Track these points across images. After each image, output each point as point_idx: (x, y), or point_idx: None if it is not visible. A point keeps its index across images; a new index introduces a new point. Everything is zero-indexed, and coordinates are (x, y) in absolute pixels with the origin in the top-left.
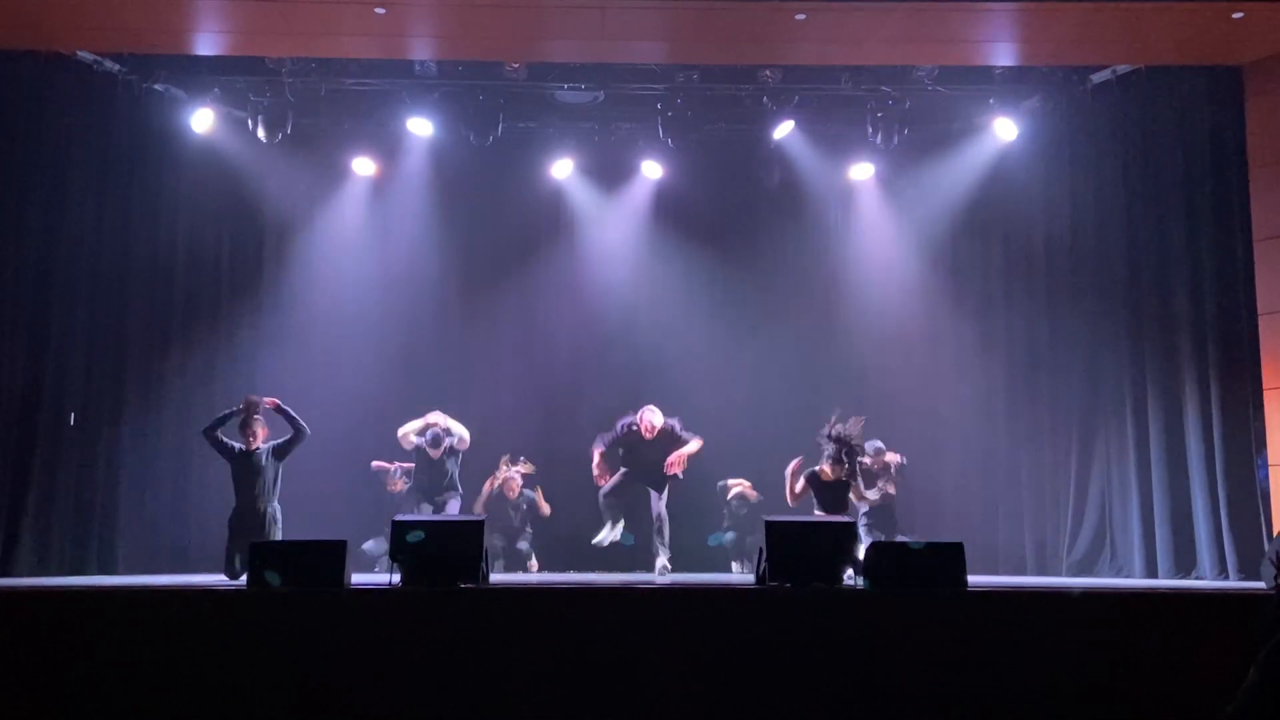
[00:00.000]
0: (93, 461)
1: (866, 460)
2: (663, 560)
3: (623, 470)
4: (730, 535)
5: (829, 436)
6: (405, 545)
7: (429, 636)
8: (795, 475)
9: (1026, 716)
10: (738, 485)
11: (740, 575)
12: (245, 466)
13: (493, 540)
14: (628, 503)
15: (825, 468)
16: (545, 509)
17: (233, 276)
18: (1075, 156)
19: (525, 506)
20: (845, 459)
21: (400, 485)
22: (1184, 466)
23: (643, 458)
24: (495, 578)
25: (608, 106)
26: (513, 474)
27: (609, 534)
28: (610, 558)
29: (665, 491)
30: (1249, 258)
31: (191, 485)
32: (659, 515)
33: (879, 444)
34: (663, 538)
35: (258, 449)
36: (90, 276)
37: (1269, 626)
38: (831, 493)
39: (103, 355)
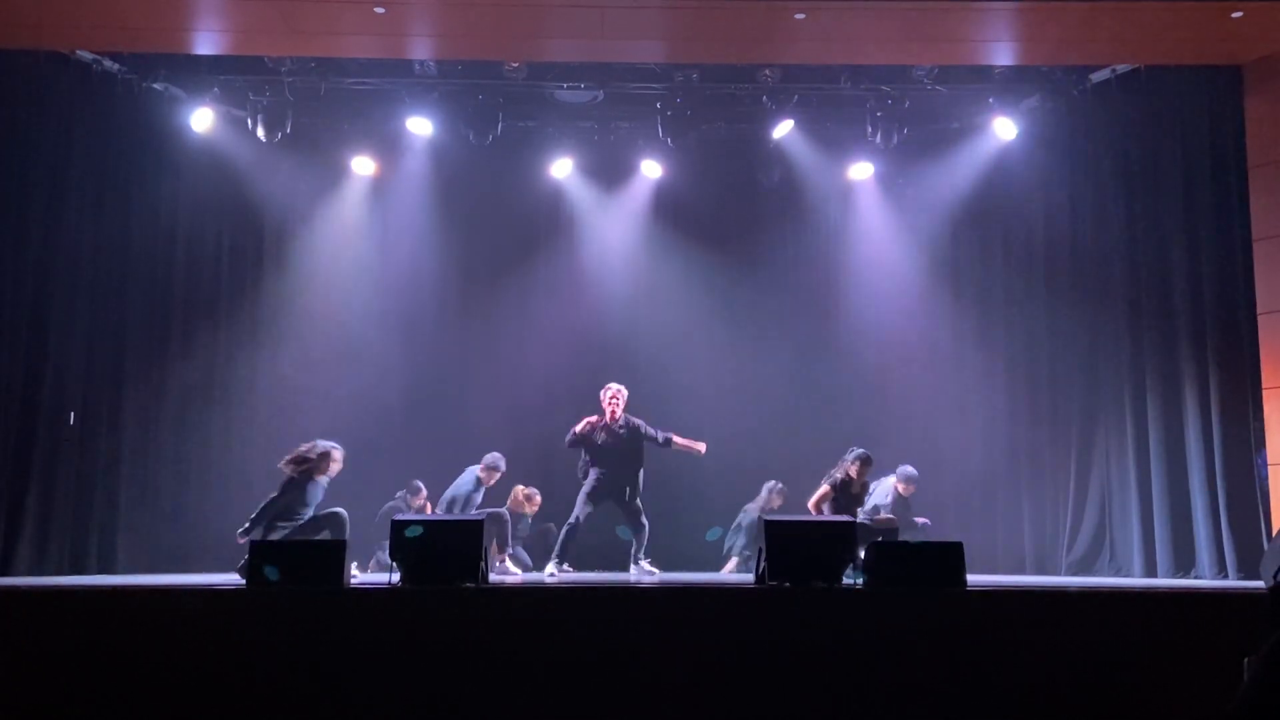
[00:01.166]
0: (92, 461)
1: (901, 488)
2: (644, 565)
3: (594, 474)
4: (729, 534)
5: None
6: (405, 544)
7: (428, 636)
8: (818, 503)
9: (1026, 716)
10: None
11: (736, 574)
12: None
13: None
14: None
15: (853, 470)
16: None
17: (232, 275)
18: (1074, 156)
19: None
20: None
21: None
22: (1183, 466)
23: (611, 452)
24: (495, 577)
25: (607, 106)
26: (534, 491)
27: (554, 567)
28: (612, 558)
29: (635, 496)
30: (1248, 257)
31: (191, 484)
32: (640, 524)
33: (912, 470)
34: (640, 545)
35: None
36: (90, 276)
37: (1269, 624)
38: (850, 498)
39: (103, 355)
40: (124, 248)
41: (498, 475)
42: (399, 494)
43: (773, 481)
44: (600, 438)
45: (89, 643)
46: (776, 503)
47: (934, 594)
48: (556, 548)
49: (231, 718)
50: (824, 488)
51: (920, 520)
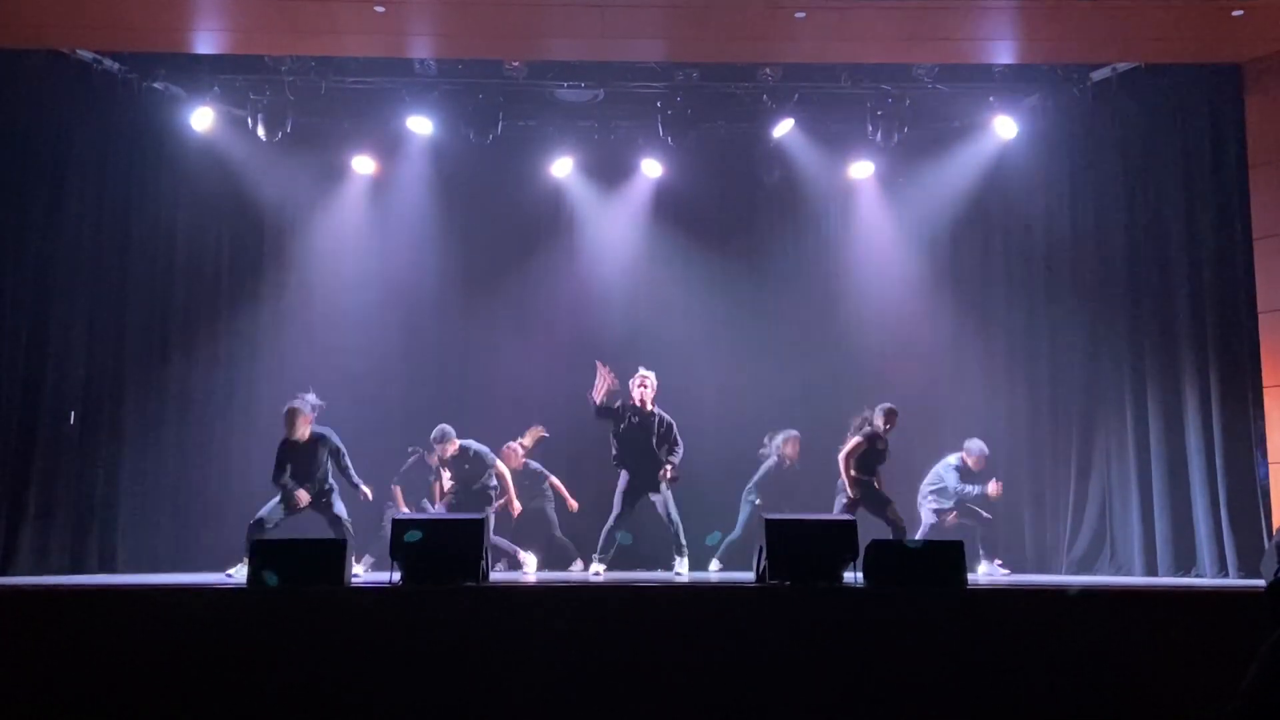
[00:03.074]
0: (93, 460)
1: (971, 461)
2: (680, 566)
3: (625, 484)
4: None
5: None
6: (406, 544)
7: (429, 635)
8: (849, 456)
9: (1027, 714)
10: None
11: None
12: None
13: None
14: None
15: (879, 422)
16: (572, 504)
17: (232, 275)
18: (1075, 155)
19: (548, 489)
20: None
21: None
22: (1184, 464)
23: (636, 442)
24: (498, 577)
25: (607, 105)
26: (513, 444)
27: (598, 565)
28: (614, 557)
29: (667, 493)
30: (1248, 256)
31: (192, 484)
32: (671, 519)
33: (981, 444)
34: (678, 543)
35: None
36: (90, 276)
37: (1269, 622)
38: (876, 453)
39: (103, 354)
40: (124, 247)
41: (440, 449)
42: (412, 450)
43: (787, 430)
44: (630, 419)
45: (89, 642)
46: (788, 451)
47: (934, 593)
48: (599, 545)
49: (232, 716)
50: (856, 439)
51: (985, 515)
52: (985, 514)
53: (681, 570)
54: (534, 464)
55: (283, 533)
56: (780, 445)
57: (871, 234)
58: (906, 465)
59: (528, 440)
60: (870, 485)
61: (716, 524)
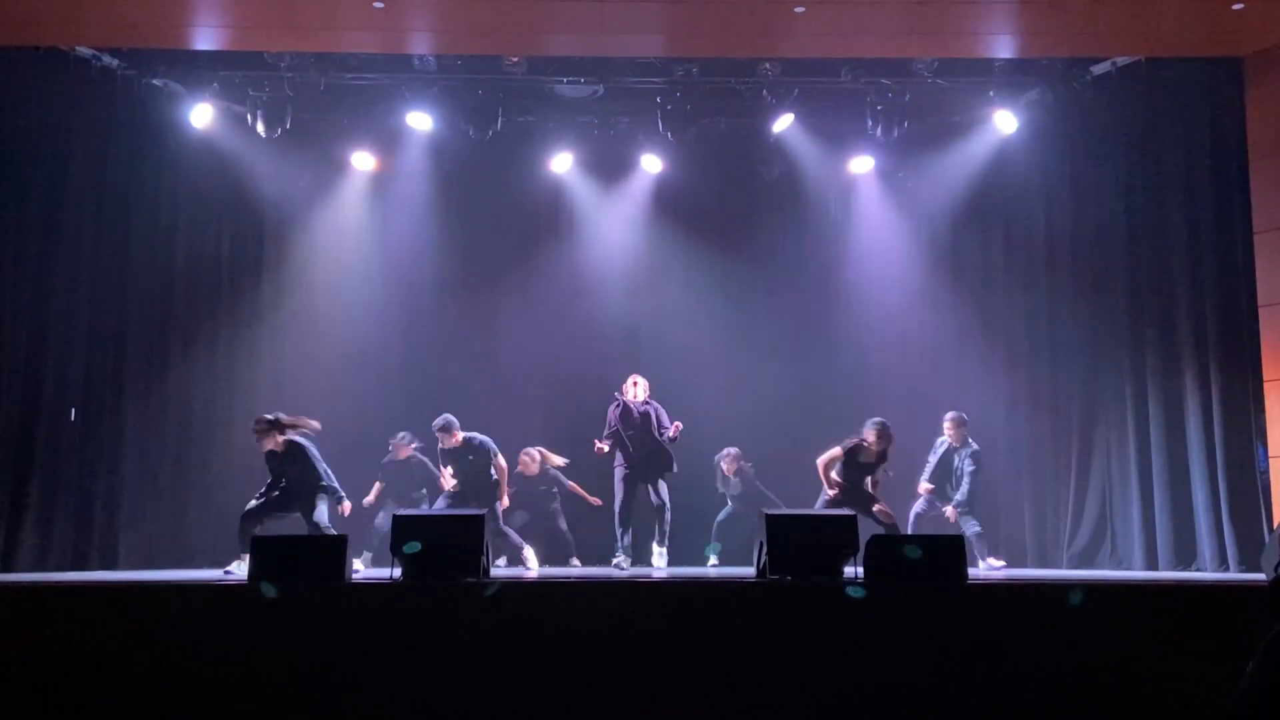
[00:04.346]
0: (94, 458)
1: (949, 429)
2: (659, 551)
3: (622, 472)
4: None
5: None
6: (406, 539)
7: (429, 631)
8: (827, 463)
9: (1027, 709)
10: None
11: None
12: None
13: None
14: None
15: (869, 437)
16: (595, 500)
17: (232, 272)
18: (1075, 149)
19: (556, 489)
20: (889, 435)
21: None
22: (1184, 459)
23: (634, 435)
24: (498, 572)
25: (607, 100)
26: (532, 450)
27: (623, 558)
28: (610, 554)
29: (663, 483)
30: (1249, 250)
31: (192, 481)
32: (661, 504)
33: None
34: (662, 531)
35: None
36: (90, 274)
37: (1269, 617)
38: (859, 466)
39: (103, 351)
40: (124, 244)
41: (443, 438)
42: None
43: (727, 449)
44: (627, 415)
45: (90, 639)
46: (725, 466)
47: (934, 588)
48: (618, 534)
49: (233, 713)
50: (835, 449)
51: (975, 526)
52: (975, 524)
53: (659, 562)
54: (553, 471)
55: (283, 529)
56: (719, 460)
57: (871, 229)
58: (907, 463)
59: (555, 460)
60: (853, 489)
61: (713, 516)
